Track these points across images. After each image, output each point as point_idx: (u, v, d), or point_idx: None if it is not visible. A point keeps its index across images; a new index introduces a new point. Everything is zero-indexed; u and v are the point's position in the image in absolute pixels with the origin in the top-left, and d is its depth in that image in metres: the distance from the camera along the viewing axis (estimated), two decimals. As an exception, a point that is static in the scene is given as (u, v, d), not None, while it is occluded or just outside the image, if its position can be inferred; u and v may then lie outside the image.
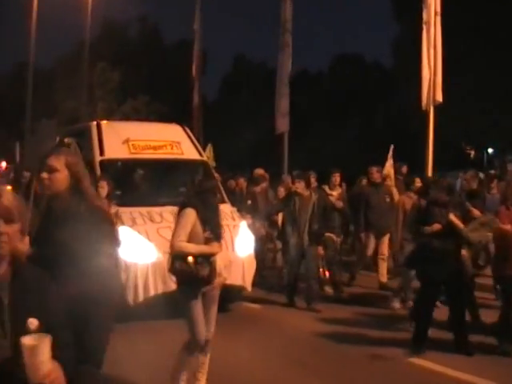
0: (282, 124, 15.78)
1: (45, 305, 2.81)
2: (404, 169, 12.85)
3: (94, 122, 10.78)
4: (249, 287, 9.92)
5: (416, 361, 7.44)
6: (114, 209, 8.53)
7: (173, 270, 5.99)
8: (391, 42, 42.47)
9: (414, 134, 23.92)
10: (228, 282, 9.53)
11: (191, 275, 5.79)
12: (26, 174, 13.08)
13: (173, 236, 5.95)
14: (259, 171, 12.59)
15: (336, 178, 11.78)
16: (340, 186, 12.26)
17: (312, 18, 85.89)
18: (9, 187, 9.50)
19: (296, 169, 13.47)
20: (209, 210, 6.04)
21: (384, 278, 11.60)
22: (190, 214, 5.90)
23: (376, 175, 11.54)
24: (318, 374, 7.14)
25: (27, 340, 2.56)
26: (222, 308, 9.83)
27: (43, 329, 2.67)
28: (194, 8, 22.32)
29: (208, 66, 37.88)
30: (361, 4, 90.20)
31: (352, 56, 44.60)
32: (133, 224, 9.23)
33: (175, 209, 9.97)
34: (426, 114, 11.77)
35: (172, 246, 5.96)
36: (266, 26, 47.24)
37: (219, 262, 6.17)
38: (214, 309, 6.27)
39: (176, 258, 5.91)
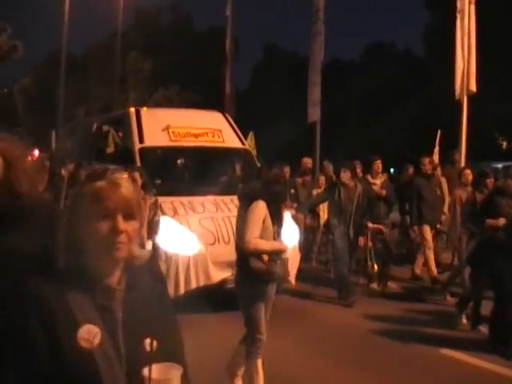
0: (314, 113, 15.44)
1: (164, 323, 2.12)
2: (457, 156, 11.97)
3: (133, 109, 10.40)
4: (293, 281, 9.49)
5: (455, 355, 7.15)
6: (151, 198, 8.12)
7: (246, 267, 5.58)
8: (423, 31, 42.01)
9: (446, 123, 23.33)
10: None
11: (266, 273, 5.46)
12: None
13: (246, 232, 5.48)
14: (307, 160, 11.99)
15: (378, 165, 11.20)
16: (382, 173, 11.70)
17: (343, 6, 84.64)
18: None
19: (329, 158, 13.14)
20: (276, 201, 5.65)
21: (419, 269, 11.30)
22: (262, 208, 5.49)
23: (428, 167, 11.02)
24: (367, 372, 6.78)
25: (154, 373, 1.84)
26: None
27: (161, 353, 1.94)
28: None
29: (239, 54, 37.34)
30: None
31: (384, 44, 43.73)
32: (174, 214, 8.85)
33: (217, 198, 9.67)
34: (460, 103, 11.49)
35: (248, 243, 5.48)
36: (297, 15, 46.24)
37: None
38: (270, 308, 5.86)
39: (251, 254, 5.52)
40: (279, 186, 5.74)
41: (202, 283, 8.69)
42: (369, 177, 11.24)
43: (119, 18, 31.68)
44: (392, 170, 27.10)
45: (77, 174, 10.32)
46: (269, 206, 5.49)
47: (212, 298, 8.64)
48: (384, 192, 10.95)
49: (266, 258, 5.48)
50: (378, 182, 11.20)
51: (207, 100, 31.29)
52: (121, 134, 10.63)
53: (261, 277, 5.50)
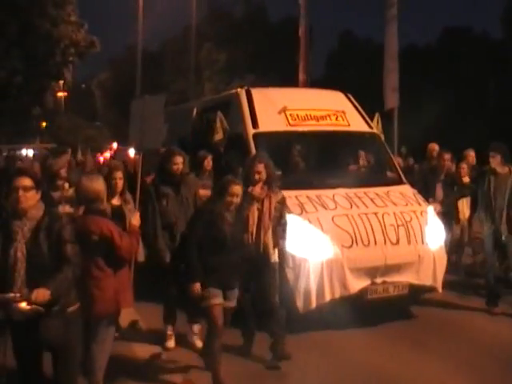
0: (392, 100, 14.15)
1: None
2: None
3: (243, 89, 8.61)
4: (439, 287, 7.60)
5: None
6: (277, 195, 6.31)
7: None
8: (501, 15, 39.02)
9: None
10: (416, 281, 7.36)
11: None
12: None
13: None
14: (434, 146, 9.90)
15: None
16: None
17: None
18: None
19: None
20: None
21: None
22: None
23: None
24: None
25: None
26: (406, 314, 7.67)
27: None
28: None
29: (313, 42, 35.35)
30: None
31: (460, 29, 40.76)
32: (302, 211, 7.04)
33: (349, 192, 7.79)
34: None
35: None
36: (372, 1, 43.53)
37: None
38: None
39: None
40: None
41: (337, 295, 6.91)
42: None
43: (193, 11, 30.55)
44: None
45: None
46: None
47: (350, 313, 6.92)
48: None
49: None
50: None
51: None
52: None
53: None
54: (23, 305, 3.79)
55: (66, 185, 7.35)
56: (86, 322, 4.43)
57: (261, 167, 6.30)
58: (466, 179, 8.87)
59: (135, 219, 5.35)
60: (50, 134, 41.28)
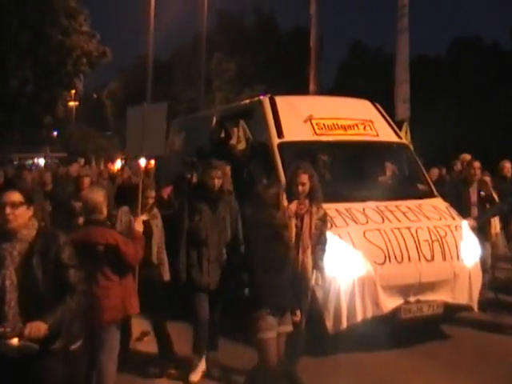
0: (403, 111, 13.62)
1: None
2: None
3: (266, 97, 8.16)
4: (475, 306, 7.10)
5: None
6: (319, 211, 5.79)
7: None
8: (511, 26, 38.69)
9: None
10: (452, 300, 6.89)
11: None
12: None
13: None
14: (466, 156, 9.40)
15: None
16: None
17: (428, 1, 79.71)
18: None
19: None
20: None
21: None
22: None
23: None
24: None
25: None
26: (439, 334, 7.20)
27: None
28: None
29: (323, 52, 35.01)
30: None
31: (470, 39, 40.33)
32: (331, 226, 6.55)
33: (379, 205, 7.30)
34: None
35: None
36: (382, 12, 43.43)
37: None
38: None
39: None
40: None
41: (369, 314, 6.43)
42: None
43: (203, 20, 30.30)
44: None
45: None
46: None
47: (382, 333, 6.51)
48: None
49: None
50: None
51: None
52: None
53: None
54: (14, 341, 3.24)
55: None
56: (91, 333, 4.21)
57: (305, 178, 5.76)
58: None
59: (138, 225, 5.40)
60: (61, 144, 41.08)
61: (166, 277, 6.16)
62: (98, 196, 4.82)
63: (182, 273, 5.92)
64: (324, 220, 5.85)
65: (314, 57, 20.47)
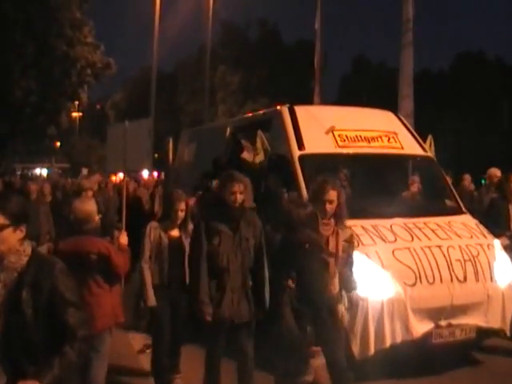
0: None
1: None
2: None
3: (285, 107, 7.70)
4: (508, 330, 6.59)
5: None
6: (345, 232, 5.30)
7: None
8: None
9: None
10: (485, 323, 6.39)
11: None
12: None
13: None
14: (496, 172, 8.86)
15: None
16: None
17: (431, 16, 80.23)
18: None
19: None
20: None
21: None
22: None
23: None
24: None
25: None
26: (470, 360, 6.70)
27: None
28: (313, 8, 19.76)
29: (327, 66, 34.75)
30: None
31: (474, 54, 40.14)
32: (358, 244, 6.06)
33: (407, 222, 6.82)
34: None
35: None
36: (385, 26, 43.36)
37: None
38: None
39: None
40: None
41: (399, 339, 5.91)
42: None
43: (208, 33, 30.04)
44: (483, 182, 24.17)
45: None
46: None
47: (412, 360, 5.97)
48: None
49: None
50: None
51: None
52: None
53: None
54: None
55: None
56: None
57: (334, 195, 5.20)
58: None
59: (122, 238, 5.33)
60: (64, 154, 40.68)
61: None
62: (89, 206, 4.92)
63: (207, 305, 4.97)
64: (351, 242, 5.36)
65: (317, 72, 20.27)
